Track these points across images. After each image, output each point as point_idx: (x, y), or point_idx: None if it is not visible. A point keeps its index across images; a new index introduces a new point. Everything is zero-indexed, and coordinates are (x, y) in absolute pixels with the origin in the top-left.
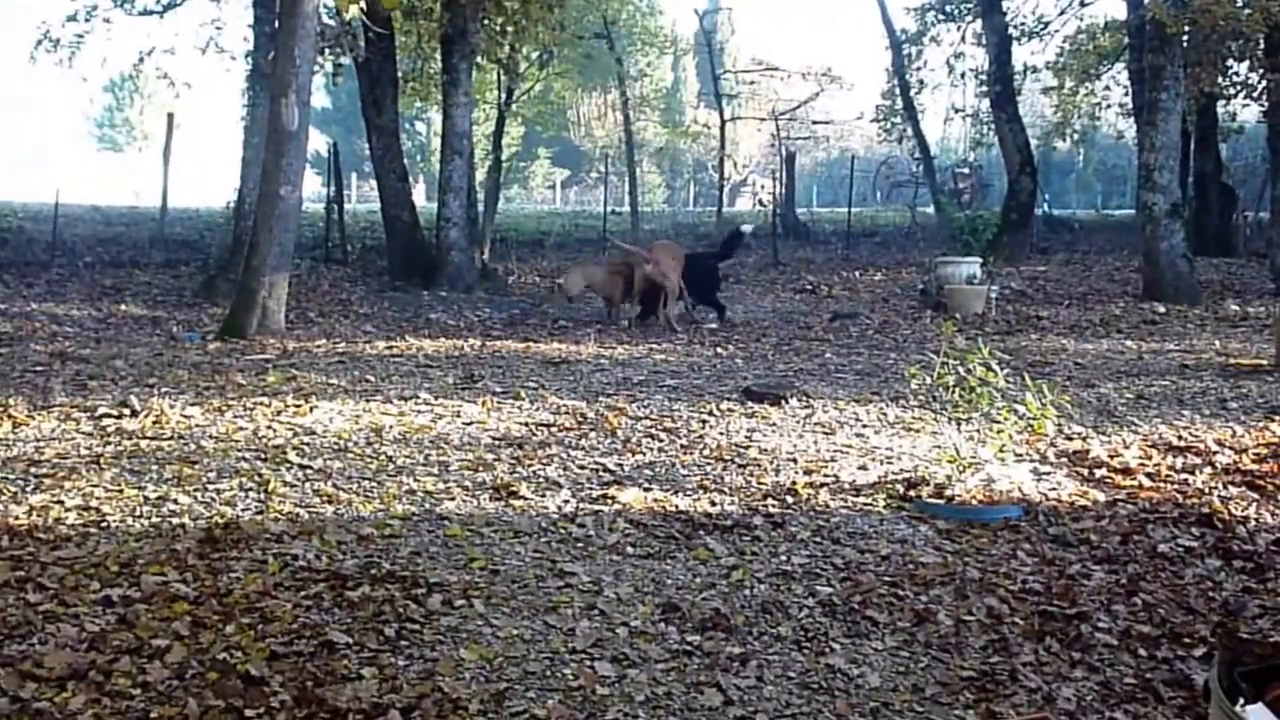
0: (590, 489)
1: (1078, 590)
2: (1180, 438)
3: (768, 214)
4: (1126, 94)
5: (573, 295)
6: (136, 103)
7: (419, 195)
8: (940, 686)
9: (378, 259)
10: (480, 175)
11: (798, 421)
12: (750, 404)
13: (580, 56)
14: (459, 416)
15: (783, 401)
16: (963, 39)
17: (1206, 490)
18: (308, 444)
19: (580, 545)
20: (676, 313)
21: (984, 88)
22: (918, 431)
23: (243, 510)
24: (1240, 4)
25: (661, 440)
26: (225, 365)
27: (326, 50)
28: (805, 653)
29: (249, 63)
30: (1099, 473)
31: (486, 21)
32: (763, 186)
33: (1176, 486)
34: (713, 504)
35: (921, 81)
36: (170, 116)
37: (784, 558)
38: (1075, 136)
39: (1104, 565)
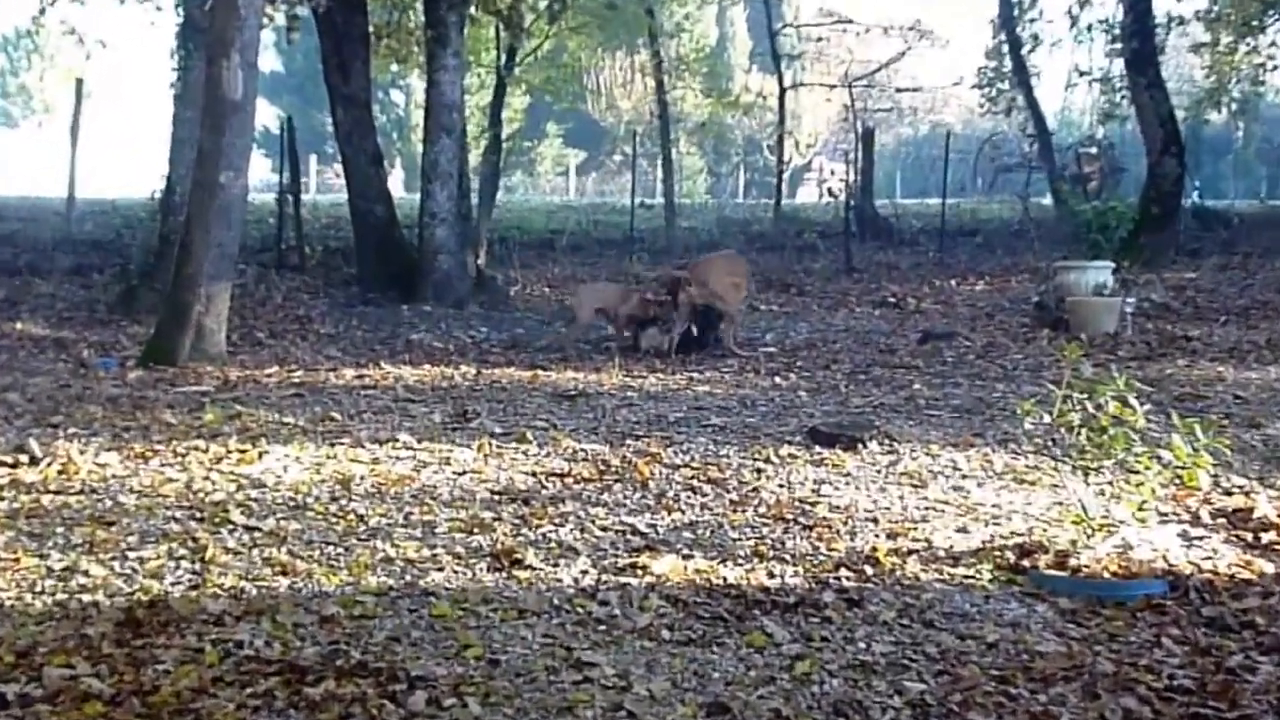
0: (615, 556)
1: (1239, 688)
2: None
3: (838, 207)
4: None
5: (584, 322)
6: (35, 66)
7: (396, 184)
8: None
9: (344, 264)
10: (474, 158)
11: (878, 471)
12: (818, 448)
13: (601, 7)
14: (448, 464)
15: (859, 445)
16: None
17: None
18: (256, 500)
19: (603, 628)
20: (736, 337)
21: (1116, 44)
22: (1033, 484)
23: (173, 584)
24: None
25: (705, 494)
26: (150, 400)
27: None
28: None
29: (180, 14)
30: (1266, 537)
31: None
32: (832, 172)
33: None
34: (771, 576)
35: (1036, 37)
36: (79, 83)
37: (862, 645)
38: (1233, 106)
39: (1272, 656)
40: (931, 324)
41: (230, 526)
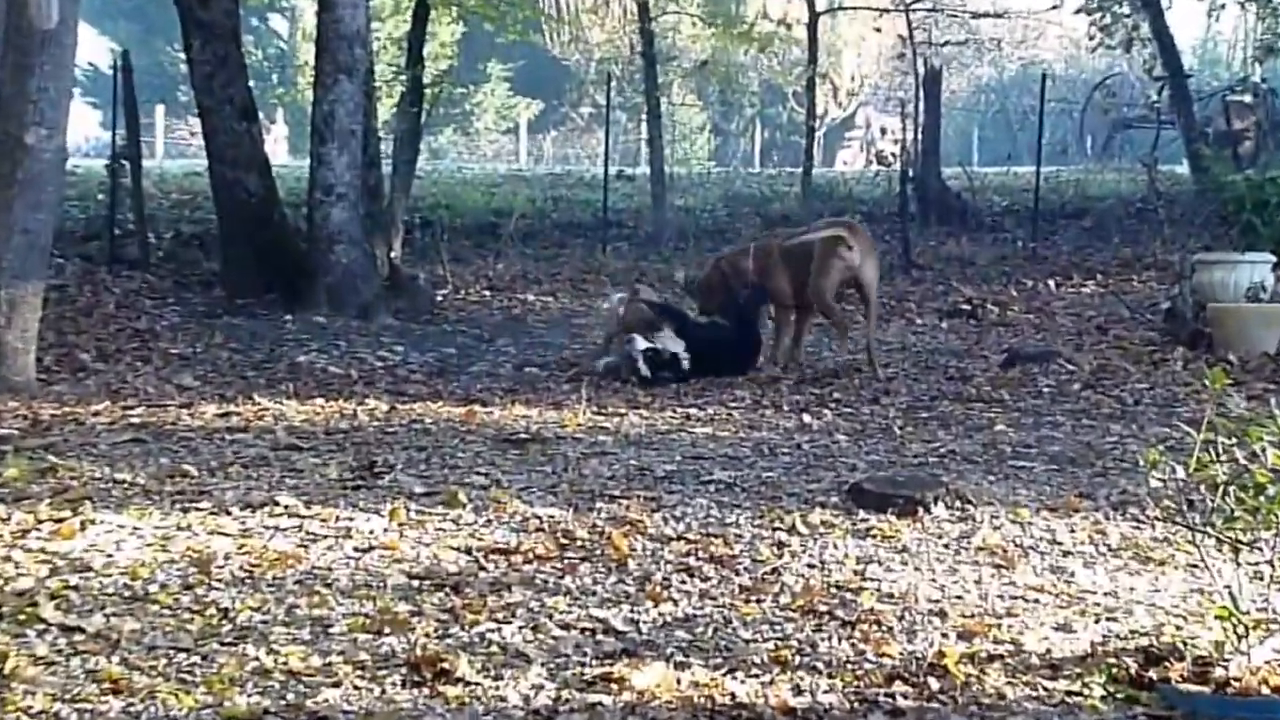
0: (581, 665)
1: None
2: None
3: (891, 180)
4: None
5: (612, 334)
6: None
7: (277, 146)
8: None
9: (203, 258)
10: (386, 111)
11: (946, 545)
12: (863, 514)
13: None
14: (348, 537)
15: (920, 509)
16: None
17: None
18: (77, 588)
19: None
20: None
21: None
22: (1162, 564)
23: None
24: None
25: (706, 578)
26: None
27: None
28: None
29: None
30: None
31: None
32: (883, 131)
33: None
34: (798, 692)
35: None
36: None
37: None
38: None
39: None
40: (1020, 340)
41: (40, 626)
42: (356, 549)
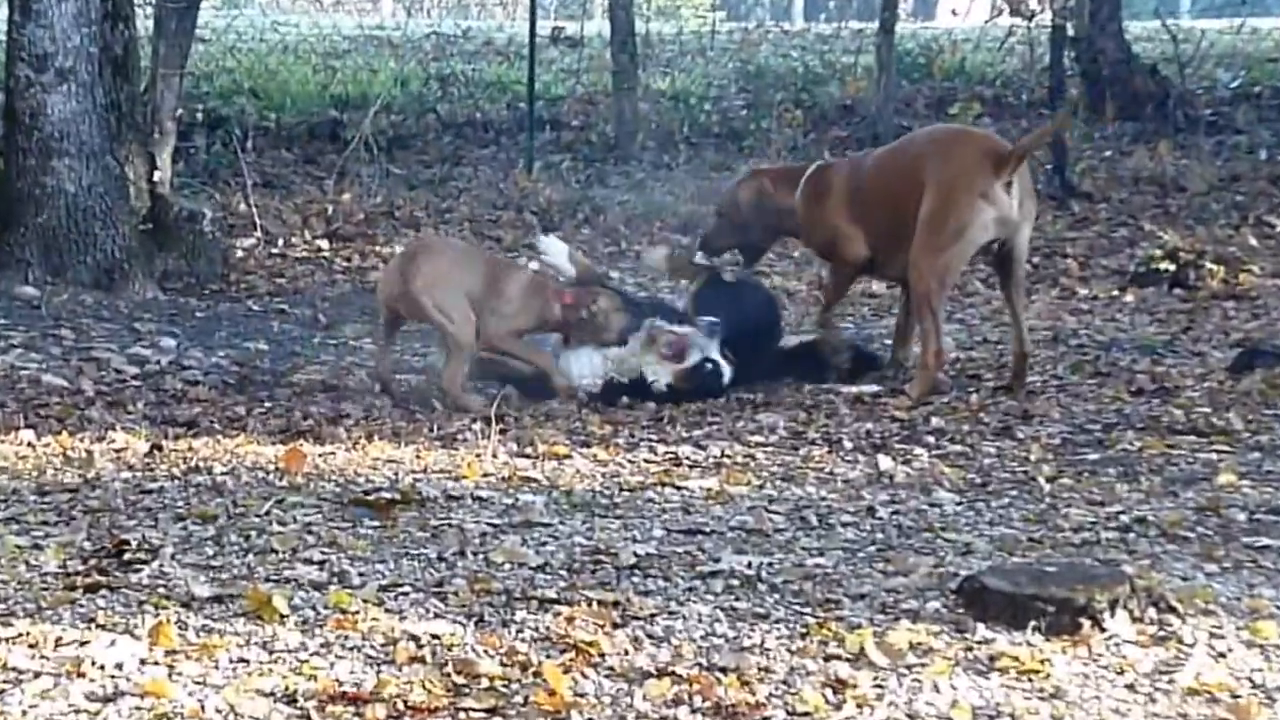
0: None
1: None
2: None
3: (1033, 42)
4: None
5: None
6: None
7: None
8: None
9: None
10: None
11: (1132, 686)
12: (984, 629)
13: None
14: (79, 675)
15: (1086, 622)
16: None
17: None
18: None
19: None
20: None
21: None
22: None
23: None
24: None
25: None
26: None
27: None
28: None
29: None
30: None
31: None
32: None
33: None
34: None
35: None
36: None
37: None
38: None
39: None
40: (1265, 326)
41: None
42: (92, 698)
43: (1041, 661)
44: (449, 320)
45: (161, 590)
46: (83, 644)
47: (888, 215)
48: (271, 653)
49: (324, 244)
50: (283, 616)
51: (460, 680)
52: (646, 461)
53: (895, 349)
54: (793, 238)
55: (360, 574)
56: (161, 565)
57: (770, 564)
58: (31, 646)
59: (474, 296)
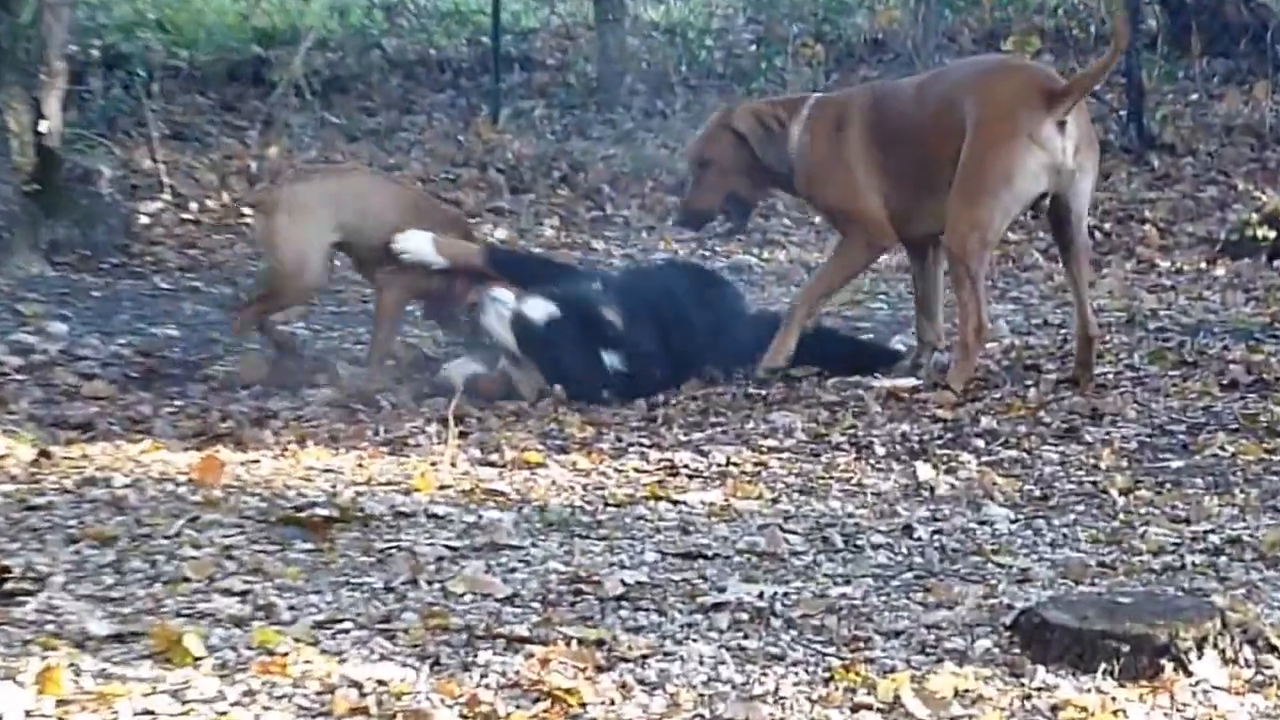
0: None
1: None
2: None
3: None
4: None
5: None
6: None
7: None
8: None
9: None
10: None
11: None
12: (1044, 673)
13: None
14: None
15: (1168, 664)
16: None
17: None
18: None
19: None
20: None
21: None
22: None
23: None
24: None
25: None
26: None
27: None
28: None
29: None
30: None
31: None
32: None
33: None
34: None
35: None
36: None
37: None
38: None
39: None
40: None
41: None
42: None
43: (1114, 713)
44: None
45: (50, 627)
46: None
47: (914, 159)
48: (183, 702)
49: (247, 208)
50: (197, 659)
51: None
52: (637, 470)
53: (920, 329)
54: (785, 190)
55: (291, 607)
56: (50, 597)
57: (786, 594)
58: None
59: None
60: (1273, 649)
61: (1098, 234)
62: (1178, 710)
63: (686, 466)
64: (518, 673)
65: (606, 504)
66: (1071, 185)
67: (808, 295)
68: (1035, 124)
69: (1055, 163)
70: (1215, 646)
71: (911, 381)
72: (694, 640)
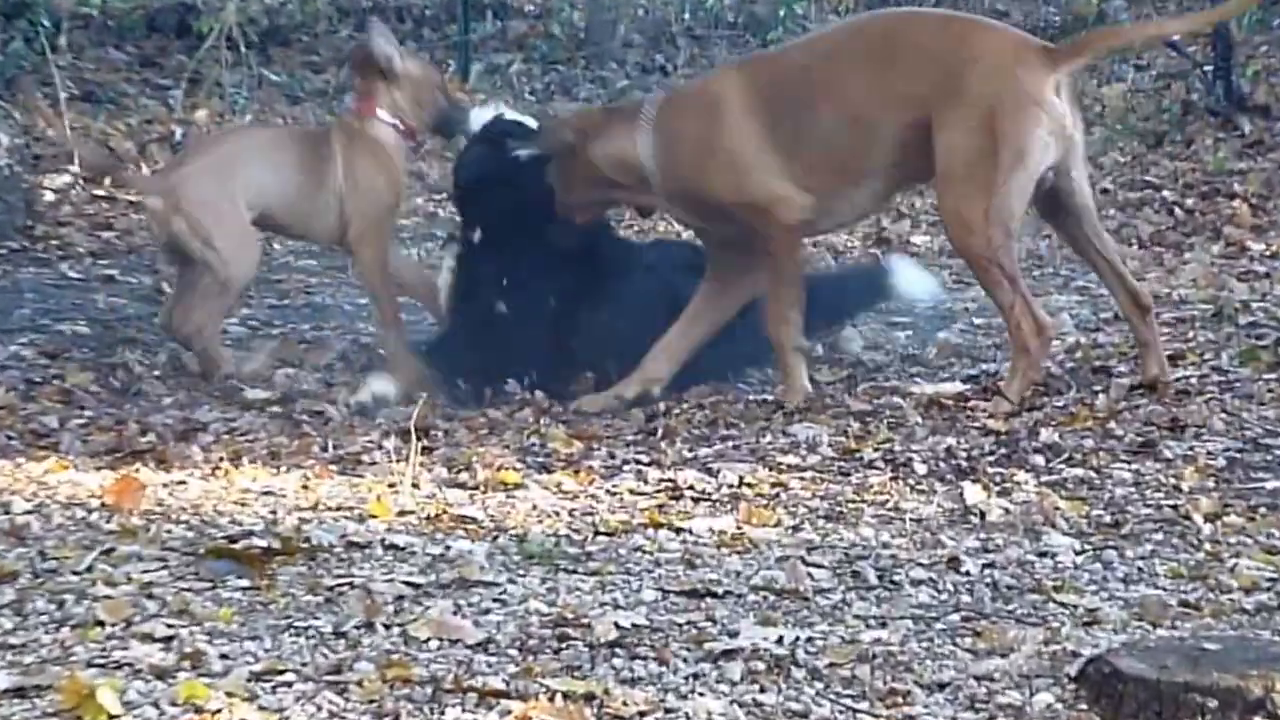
0: None
1: None
2: None
3: None
4: None
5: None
6: None
7: None
8: None
9: None
10: None
11: None
12: None
13: None
14: None
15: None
16: None
17: None
18: None
19: None
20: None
21: None
22: None
23: None
24: None
25: None
26: None
27: None
28: None
29: None
30: None
31: None
32: None
33: None
34: None
35: None
36: None
37: None
38: None
39: None
40: None
41: None
42: None
43: None
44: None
45: None
46: None
47: (828, 134)
48: None
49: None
50: (113, 717)
51: None
52: (633, 492)
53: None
54: (645, 203)
55: (223, 655)
56: None
57: (809, 640)
58: None
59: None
60: None
61: (1178, 210)
62: None
63: (692, 488)
64: None
65: (597, 532)
66: (1073, 154)
67: (776, 319)
68: (1038, 87)
69: (1061, 129)
70: None
71: (957, 386)
72: (700, 694)
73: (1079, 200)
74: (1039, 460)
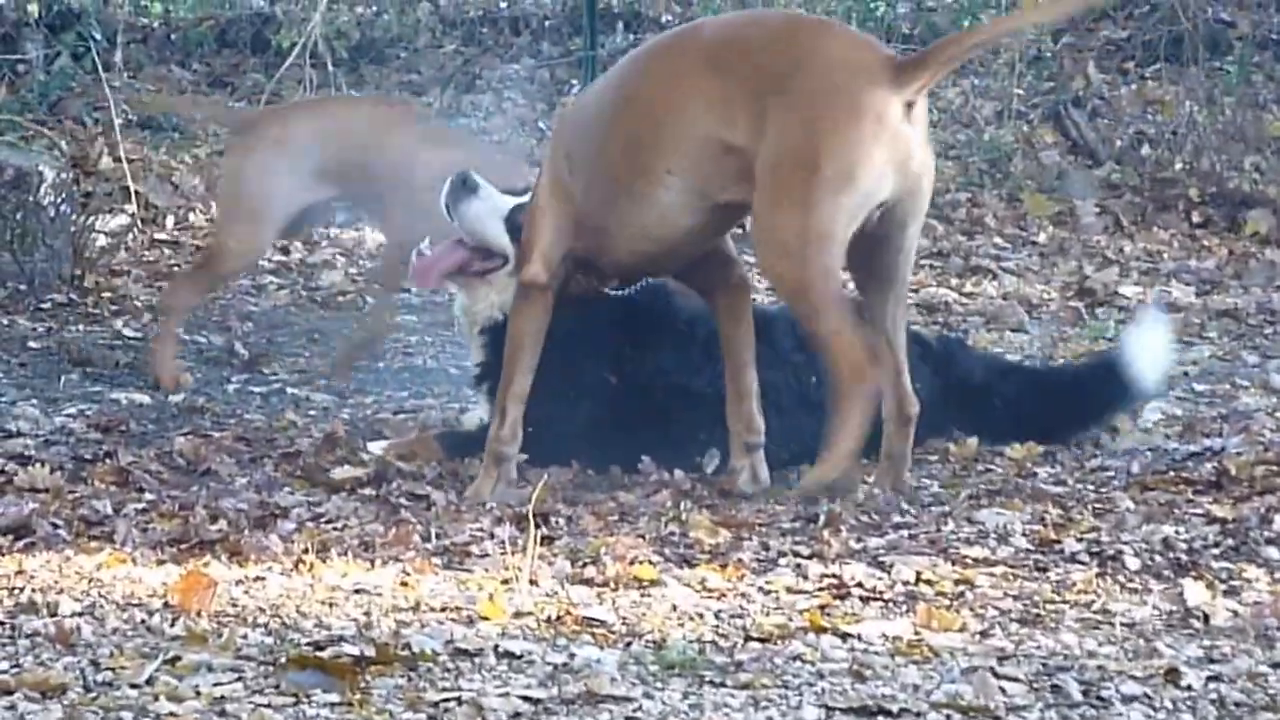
0: None
1: None
2: None
3: None
4: None
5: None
6: None
7: None
8: None
9: None
10: None
11: None
12: None
13: None
14: None
15: None
16: None
17: None
18: None
19: None
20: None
21: None
22: None
23: None
24: None
25: None
26: None
27: None
28: None
29: None
30: None
31: None
32: None
33: None
34: None
35: None
36: None
37: None
38: None
39: None
40: None
41: None
42: None
43: None
44: None
45: None
46: None
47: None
48: None
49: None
50: None
51: None
52: (790, 591)
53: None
54: None
55: None
56: None
57: None
58: None
59: None
60: None
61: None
62: None
63: (860, 585)
64: None
65: (748, 638)
66: (914, 201)
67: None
68: (881, 100)
69: (904, 160)
70: None
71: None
72: None
73: (899, 266)
74: (1272, 553)
